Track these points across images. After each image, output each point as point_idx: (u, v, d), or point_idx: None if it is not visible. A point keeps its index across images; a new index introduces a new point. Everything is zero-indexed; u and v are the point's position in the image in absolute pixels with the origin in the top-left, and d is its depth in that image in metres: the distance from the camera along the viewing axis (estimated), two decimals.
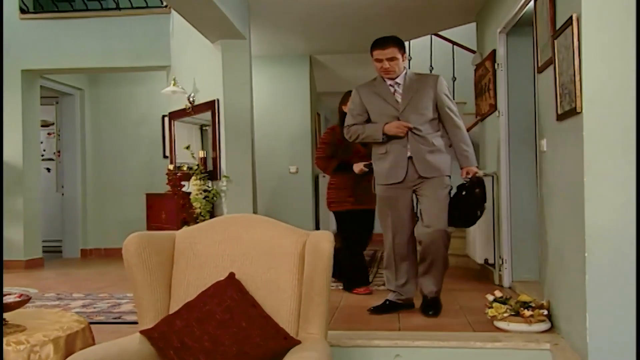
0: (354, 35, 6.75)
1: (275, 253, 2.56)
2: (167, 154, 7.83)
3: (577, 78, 2.70)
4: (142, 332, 2.45)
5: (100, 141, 8.03)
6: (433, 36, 8.00)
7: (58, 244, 8.25)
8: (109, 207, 7.97)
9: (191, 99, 5.82)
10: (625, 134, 2.60)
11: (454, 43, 8.29)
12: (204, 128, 6.31)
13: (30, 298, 2.41)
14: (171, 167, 6.16)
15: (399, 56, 3.56)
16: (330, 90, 8.39)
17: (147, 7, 6.49)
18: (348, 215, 4.54)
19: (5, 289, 2.52)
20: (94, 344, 2.50)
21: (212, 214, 5.30)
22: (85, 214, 7.97)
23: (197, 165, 5.37)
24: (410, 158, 3.58)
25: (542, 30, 3.39)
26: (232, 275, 2.49)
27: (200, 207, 5.19)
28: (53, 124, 8.70)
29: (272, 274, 2.53)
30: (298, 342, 2.36)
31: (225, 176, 5.28)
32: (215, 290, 2.46)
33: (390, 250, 3.75)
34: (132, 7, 6.51)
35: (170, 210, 5.55)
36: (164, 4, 6.53)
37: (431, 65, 8.41)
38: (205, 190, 5.28)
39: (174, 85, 5.82)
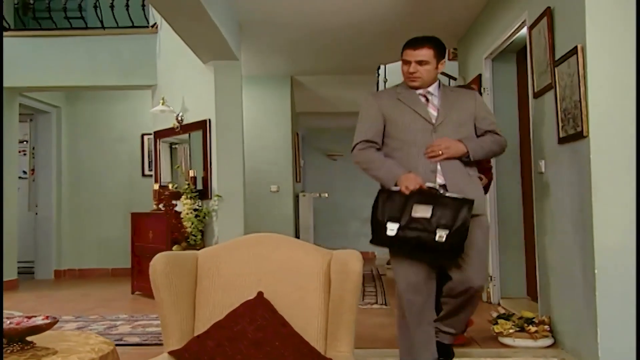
0: (337, 58, 6.89)
1: (301, 272, 2.60)
2: (148, 172, 7.81)
3: (583, 104, 2.86)
4: (171, 352, 2.45)
5: (76, 159, 7.91)
6: None
7: (30, 265, 8.03)
8: (85, 226, 7.84)
9: (179, 118, 5.82)
10: (630, 157, 2.76)
11: None
12: (173, 146, 6.31)
13: (57, 320, 2.38)
14: (156, 186, 6.13)
15: (433, 61, 2.83)
16: (309, 110, 8.51)
17: (132, 26, 6.48)
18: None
19: None
20: None
21: (203, 233, 5.29)
22: (59, 234, 7.81)
23: (188, 184, 5.36)
24: (443, 187, 2.77)
25: (539, 57, 3.56)
26: (261, 294, 2.52)
27: (191, 227, 5.18)
28: (26, 141, 8.53)
29: (299, 293, 2.57)
30: None
31: (217, 195, 5.29)
32: (245, 310, 2.49)
33: (400, 310, 2.92)
34: (118, 27, 6.49)
35: (158, 229, 5.50)
36: (150, 24, 6.54)
37: None
38: (195, 210, 5.27)
39: (162, 104, 5.81)
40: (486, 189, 3.27)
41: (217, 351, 2.38)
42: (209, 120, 5.45)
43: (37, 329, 2.28)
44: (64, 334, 2.61)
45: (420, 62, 2.81)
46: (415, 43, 2.83)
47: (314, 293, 2.57)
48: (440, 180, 2.78)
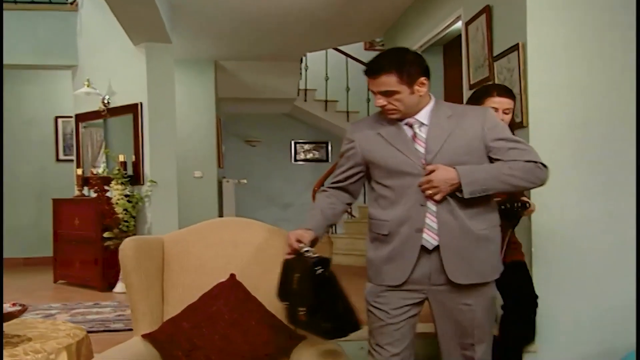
0: (262, 44, 6.90)
1: (269, 254, 2.68)
2: (63, 157, 7.47)
3: (523, 97, 3.13)
4: (145, 335, 2.46)
5: None
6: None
7: None
8: None
9: (105, 101, 5.63)
10: (565, 145, 3.06)
11: (347, 55, 8.80)
12: (94, 130, 6.10)
13: (27, 307, 2.32)
14: (79, 171, 5.90)
15: (403, 87, 2.07)
16: (231, 95, 8.46)
17: (49, 2, 6.15)
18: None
19: None
20: (92, 351, 2.46)
21: (135, 220, 5.18)
22: None
23: (118, 169, 5.21)
24: (436, 249, 2.13)
25: (477, 52, 3.82)
26: (233, 276, 2.58)
27: (123, 213, 5.06)
28: None
29: (269, 274, 2.64)
30: (304, 338, 2.50)
31: (152, 181, 5.19)
32: (219, 292, 2.53)
33: None
34: (32, 2, 6.13)
35: (85, 215, 5.32)
36: (69, 0, 6.24)
37: (327, 75, 8.85)
38: (126, 196, 5.15)
39: (87, 86, 5.59)
40: (511, 213, 2.62)
41: (194, 332, 2.43)
42: (141, 104, 5.32)
43: (10, 316, 2.21)
44: (27, 322, 2.54)
45: (386, 94, 2.11)
46: (371, 70, 2.12)
47: None
48: (434, 240, 2.13)
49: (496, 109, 2.56)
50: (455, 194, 2.08)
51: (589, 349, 3.09)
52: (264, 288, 2.61)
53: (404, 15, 5.61)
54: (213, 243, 2.70)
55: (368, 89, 2.23)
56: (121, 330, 3.56)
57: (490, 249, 2.19)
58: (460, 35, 4.40)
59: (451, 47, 4.97)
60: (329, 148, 10.55)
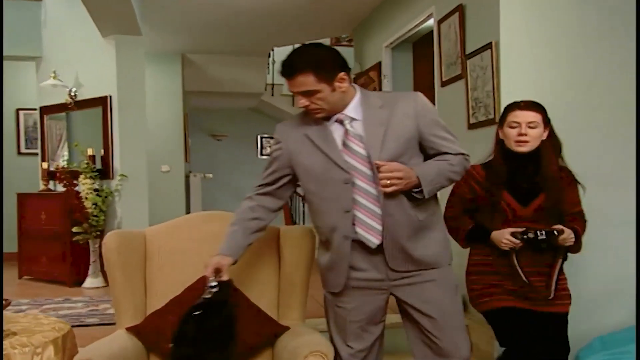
0: (231, 37, 6.87)
1: (251, 247, 2.70)
2: (25, 150, 7.31)
3: (496, 94, 3.23)
4: (130, 328, 2.46)
5: None
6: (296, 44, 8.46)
7: None
8: None
9: (72, 94, 5.53)
10: None
11: None
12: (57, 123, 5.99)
13: (10, 301, 2.30)
14: (45, 165, 5.78)
15: (322, 86, 1.98)
16: (198, 89, 8.41)
17: None
18: (502, 316, 2.48)
19: None
20: (76, 345, 2.45)
21: (105, 214, 5.12)
22: None
23: (87, 163, 5.13)
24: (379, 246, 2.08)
25: (449, 50, 3.91)
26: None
27: (92, 207, 4.99)
28: None
29: (252, 267, 2.68)
30: (287, 328, 2.55)
31: (122, 175, 5.14)
32: (202, 285, 2.55)
33: None
34: None
35: (52, 210, 5.23)
36: None
37: None
38: (95, 190, 5.08)
39: (54, 78, 5.48)
40: (574, 247, 2.42)
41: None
42: (110, 97, 5.25)
43: None
44: (8, 316, 2.51)
45: (306, 93, 2.00)
46: (286, 71, 1.99)
47: (266, 267, 2.70)
48: (375, 239, 2.07)
49: (518, 123, 2.39)
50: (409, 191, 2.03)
51: None
52: (247, 281, 2.64)
53: (374, 12, 5.69)
54: (196, 237, 2.71)
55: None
56: (96, 325, 3.54)
57: (432, 237, 2.16)
58: (430, 33, 4.50)
59: (421, 44, 5.06)
60: None
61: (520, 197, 2.38)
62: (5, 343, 2.05)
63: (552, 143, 2.44)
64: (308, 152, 2.12)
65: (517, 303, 2.41)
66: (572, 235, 2.34)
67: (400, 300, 2.19)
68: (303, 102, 2.03)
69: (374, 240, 2.07)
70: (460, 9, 3.69)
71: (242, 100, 9.29)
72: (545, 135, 2.42)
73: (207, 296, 2.17)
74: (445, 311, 2.15)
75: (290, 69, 1.99)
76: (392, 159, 2.02)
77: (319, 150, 2.09)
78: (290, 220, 7.90)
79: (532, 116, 2.40)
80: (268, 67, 8.65)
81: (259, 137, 10.55)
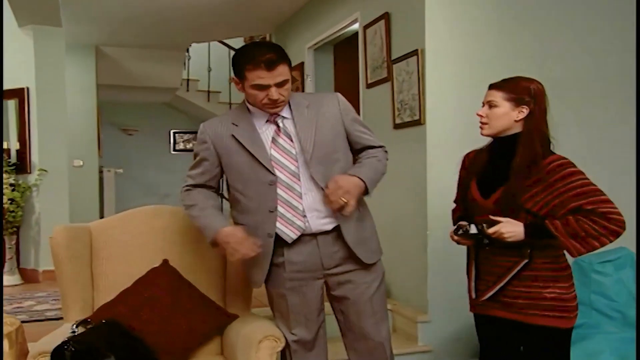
0: (150, 31, 6.77)
1: (199, 240, 2.80)
2: None
3: (422, 97, 3.51)
4: (81, 322, 2.48)
5: None
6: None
7: None
8: None
9: None
10: (457, 140, 3.48)
11: (230, 47, 8.91)
12: None
13: None
14: None
15: (290, 76, 2.14)
16: (111, 82, 8.19)
17: None
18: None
19: None
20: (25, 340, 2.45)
21: (23, 209, 4.95)
22: None
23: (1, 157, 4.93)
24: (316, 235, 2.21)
25: (375, 54, 4.16)
26: (166, 261, 2.68)
27: (8, 202, 4.81)
28: None
29: (199, 260, 2.78)
30: (236, 316, 2.67)
31: (42, 169, 4.98)
32: (153, 276, 2.62)
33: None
34: None
35: None
36: None
37: (209, 67, 8.88)
38: (11, 185, 4.90)
39: None
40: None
41: (131, 316, 2.50)
42: (27, 89, 5.07)
43: None
44: None
45: (281, 84, 2.11)
46: (271, 61, 2.06)
47: (213, 259, 2.80)
48: (293, 234, 2.19)
49: (482, 104, 2.19)
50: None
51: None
52: (194, 273, 2.73)
53: (297, 14, 5.85)
54: (145, 230, 2.76)
55: (249, 85, 2.10)
56: (28, 322, 3.47)
57: (368, 226, 2.34)
58: (352, 36, 4.74)
59: (342, 45, 5.29)
60: None
61: (484, 188, 2.16)
62: None
63: (537, 128, 2.08)
64: (235, 152, 2.20)
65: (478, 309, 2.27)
66: (513, 230, 2.01)
67: (333, 289, 2.33)
68: (274, 94, 2.10)
69: (291, 235, 2.19)
70: (386, 17, 3.93)
71: (156, 94, 9.15)
72: (519, 116, 2.09)
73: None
74: (367, 298, 2.31)
75: (274, 59, 2.06)
76: (327, 155, 2.19)
77: (245, 151, 2.18)
78: None
79: (491, 94, 2.15)
80: (185, 63, 8.59)
81: (171, 132, 10.41)
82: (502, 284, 2.10)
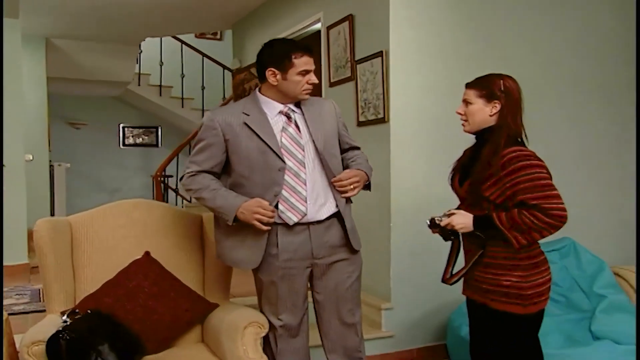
0: (102, 24, 6.68)
1: (178, 234, 2.90)
2: None
3: (386, 96, 3.69)
4: (64, 313, 2.53)
5: None
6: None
7: None
8: None
9: None
10: (419, 138, 3.70)
11: (183, 42, 8.90)
12: None
13: None
14: None
15: None
16: (61, 75, 8.04)
17: None
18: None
19: None
20: (12, 332, 2.48)
21: None
22: None
23: None
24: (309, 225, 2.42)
25: (338, 54, 4.31)
26: (148, 253, 2.76)
27: None
28: None
29: (178, 251, 2.87)
30: (217, 305, 2.78)
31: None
32: (136, 268, 2.70)
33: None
34: None
35: None
36: None
37: (161, 61, 8.83)
38: None
39: None
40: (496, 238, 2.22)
41: (116, 306, 2.58)
42: None
43: None
44: None
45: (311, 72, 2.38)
46: (311, 50, 2.35)
47: (192, 251, 2.90)
48: (295, 217, 2.38)
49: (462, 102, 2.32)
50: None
51: (432, 306, 3.77)
52: (175, 264, 2.82)
53: (257, 10, 5.94)
54: (124, 224, 2.83)
55: (296, 70, 2.29)
56: None
57: (352, 219, 2.60)
58: (314, 34, 4.87)
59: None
60: (160, 133, 10.48)
61: (462, 178, 2.32)
62: None
63: (506, 122, 2.20)
64: (245, 138, 2.35)
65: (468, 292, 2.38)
66: (463, 222, 2.21)
67: (315, 275, 2.51)
68: (315, 78, 2.37)
69: (293, 218, 2.38)
70: (350, 19, 4.09)
71: (106, 88, 9.01)
72: (493, 111, 2.22)
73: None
74: (343, 295, 2.54)
75: (310, 47, 2.36)
76: (329, 148, 2.46)
77: (257, 138, 2.34)
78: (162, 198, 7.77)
79: (466, 93, 2.30)
80: (137, 59, 8.52)
81: (120, 126, 10.27)
82: (464, 271, 2.28)
